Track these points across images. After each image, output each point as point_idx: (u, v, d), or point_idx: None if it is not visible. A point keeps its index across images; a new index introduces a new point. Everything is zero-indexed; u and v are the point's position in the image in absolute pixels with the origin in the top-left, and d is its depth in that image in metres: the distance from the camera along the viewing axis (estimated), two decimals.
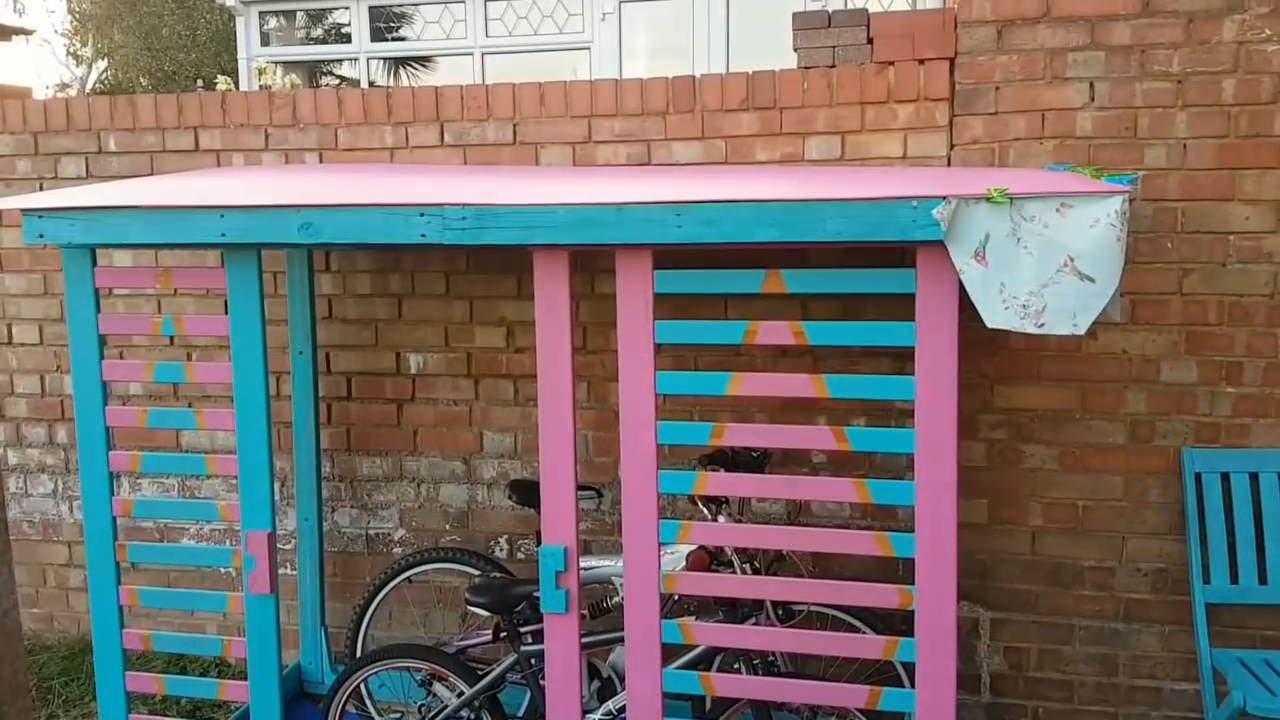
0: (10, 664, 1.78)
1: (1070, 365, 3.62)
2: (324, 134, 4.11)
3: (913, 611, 2.51)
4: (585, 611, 3.43)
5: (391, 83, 11.30)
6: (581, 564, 2.83)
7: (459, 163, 4.04)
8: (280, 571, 3.56)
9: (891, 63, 3.65)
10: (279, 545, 3.79)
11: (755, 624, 3.23)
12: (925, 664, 2.51)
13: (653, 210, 2.50)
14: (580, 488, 2.87)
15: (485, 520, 4.15)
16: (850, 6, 8.33)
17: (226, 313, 2.80)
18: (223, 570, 4.28)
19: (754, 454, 3.36)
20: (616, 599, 3.50)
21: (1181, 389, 3.57)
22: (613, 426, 3.98)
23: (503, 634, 3.42)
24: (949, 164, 3.65)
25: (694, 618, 3.28)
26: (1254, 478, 3.51)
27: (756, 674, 3.19)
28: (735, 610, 3.22)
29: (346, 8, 10.27)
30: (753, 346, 3.66)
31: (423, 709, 3.56)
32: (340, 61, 11.40)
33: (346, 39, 10.53)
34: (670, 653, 2.88)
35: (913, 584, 2.50)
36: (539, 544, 3.96)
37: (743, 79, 3.79)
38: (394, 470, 4.21)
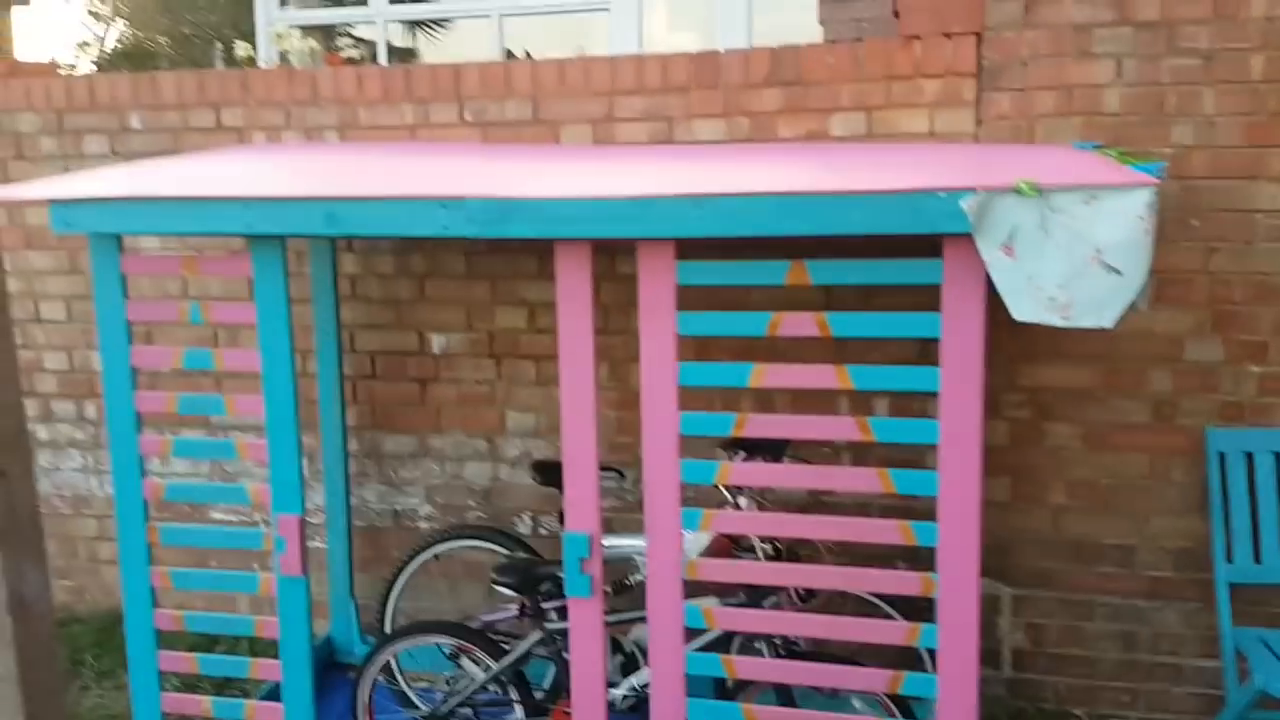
0: (46, 667, 1.83)
1: (1094, 344, 3.60)
2: (344, 111, 4.11)
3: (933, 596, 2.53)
4: (608, 588, 3.47)
5: (410, 43, 11.24)
6: (604, 542, 2.86)
7: (479, 140, 4.03)
8: (310, 544, 3.62)
9: (918, 37, 3.61)
10: (308, 520, 3.85)
11: (776, 604, 3.26)
12: (946, 651, 2.53)
13: (674, 203, 2.49)
14: (602, 468, 2.89)
15: (509, 497, 4.19)
16: None
17: (252, 297, 2.83)
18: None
19: (775, 438, 3.37)
20: (639, 576, 3.54)
21: (1206, 368, 3.55)
22: (634, 406, 4.00)
23: (528, 612, 3.47)
24: (976, 140, 3.62)
25: (715, 598, 3.32)
26: (1278, 457, 3.49)
27: (778, 654, 3.23)
28: (756, 591, 3.25)
29: None
30: (787, 342, 3.65)
31: (450, 681, 3.62)
32: (357, 24, 11.33)
33: (364, 1, 10.47)
34: (692, 630, 2.91)
35: (934, 570, 2.52)
36: (562, 522, 4.03)
37: (766, 54, 3.76)
38: (419, 448, 4.25)
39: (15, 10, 13.58)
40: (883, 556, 3.59)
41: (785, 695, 3.29)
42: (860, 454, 3.74)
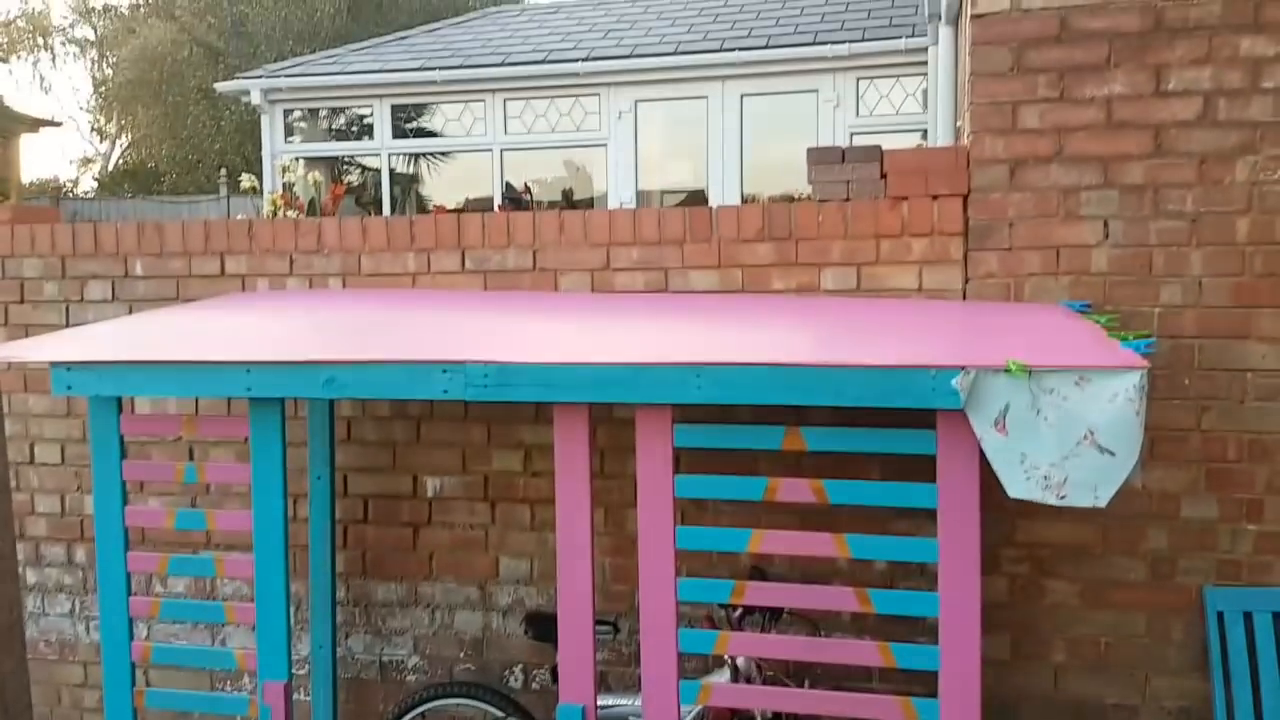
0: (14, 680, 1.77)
1: None
2: (347, 260, 4.17)
3: None
4: None
5: (411, 170, 11.50)
6: (599, 702, 2.81)
7: (479, 288, 4.09)
8: (294, 698, 3.54)
9: (905, 198, 3.70)
10: (292, 671, 3.78)
11: None
12: None
13: (672, 371, 2.53)
14: (597, 622, 2.86)
15: (500, 649, 4.12)
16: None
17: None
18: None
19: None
20: None
21: (1202, 526, 3.55)
22: (630, 553, 3.94)
23: None
24: (964, 297, 3.67)
25: None
26: (1277, 617, 3.46)
27: None
28: None
29: (369, 105, 10.50)
30: (773, 504, 3.65)
31: None
32: (362, 155, 11.63)
33: (369, 129, 10.79)
34: None
35: None
36: (554, 677, 3.95)
37: (758, 210, 3.85)
38: (409, 596, 4.19)
39: (25, 138, 13.93)
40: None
41: None
42: (859, 614, 3.69)
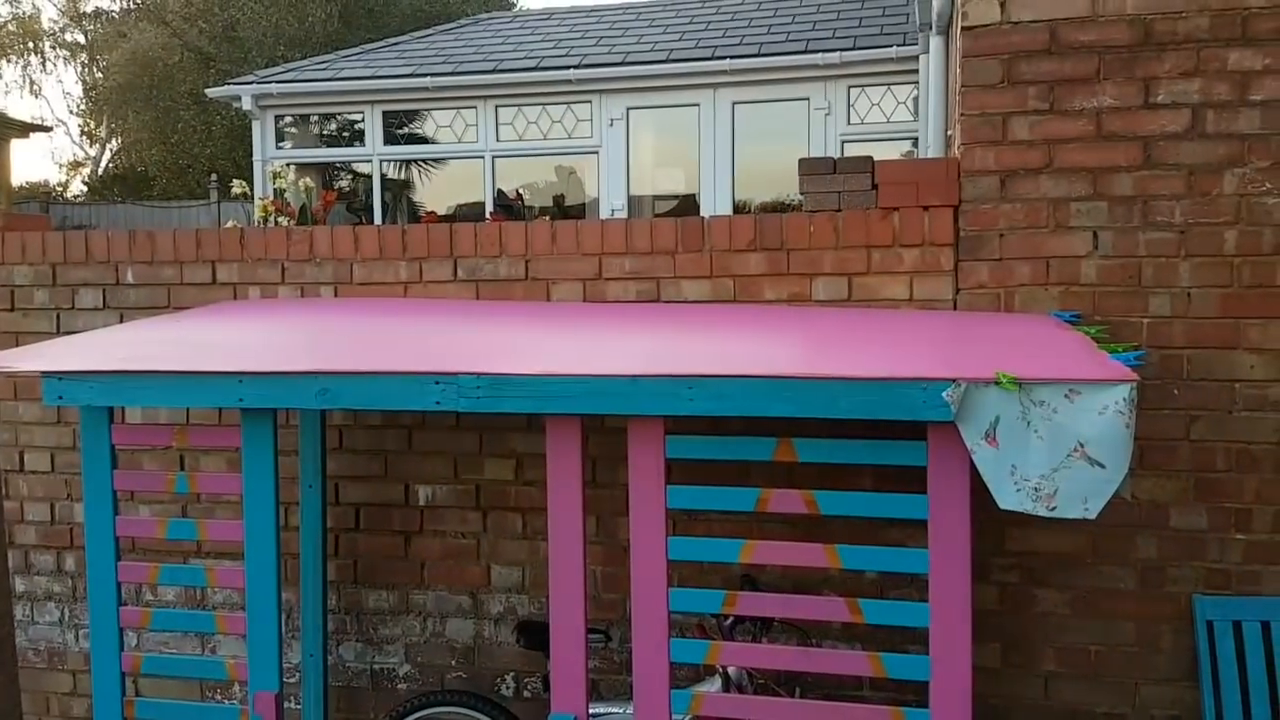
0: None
1: None
2: (339, 269, 4.18)
3: None
4: None
5: (403, 176, 11.49)
6: (590, 710, 2.81)
7: (471, 297, 4.09)
8: (285, 706, 3.54)
9: (896, 208, 3.72)
10: (284, 679, 3.77)
11: None
12: None
13: (665, 383, 2.54)
14: (588, 630, 2.86)
15: (492, 657, 4.12)
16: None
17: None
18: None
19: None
20: None
21: (1192, 535, 3.57)
22: (622, 562, 3.96)
23: None
24: (955, 307, 3.69)
25: None
26: (1265, 626, 3.49)
27: None
28: None
29: (361, 111, 10.50)
30: (765, 514, 3.66)
31: None
32: (352, 161, 11.62)
33: (360, 135, 10.77)
34: None
35: None
36: (546, 687, 3.95)
37: (750, 221, 3.86)
38: (400, 604, 4.19)
39: (14, 143, 13.88)
40: None
41: None
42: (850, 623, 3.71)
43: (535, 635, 3.65)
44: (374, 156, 10.57)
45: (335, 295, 4.18)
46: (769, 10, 10.35)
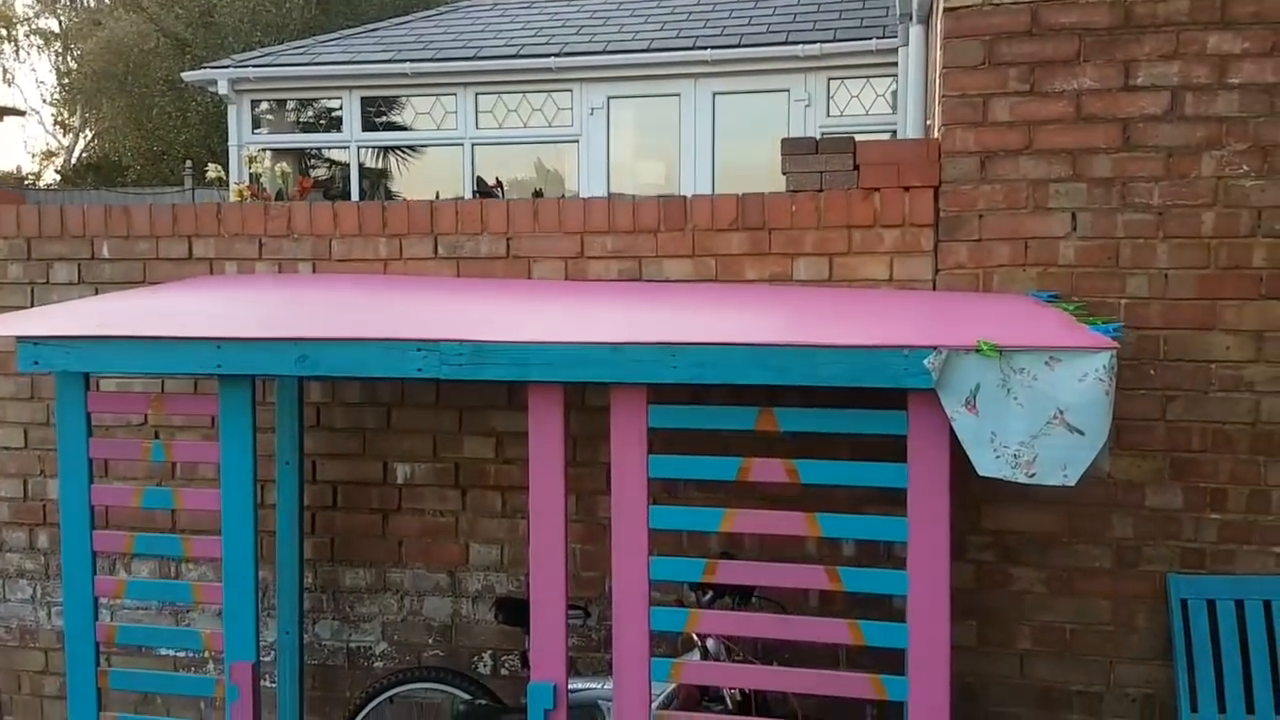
0: None
1: (1057, 488, 3.62)
2: (318, 245, 4.15)
3: None
4: None
5: (380, 164, 11.44)
6: (568, 686, 2.80)
7: (452, 275, 4.08)
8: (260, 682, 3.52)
9: (877, 189, 3.73)
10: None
11: None
12: None
13: (648, 351, 2.53)
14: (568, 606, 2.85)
15: (469, 635, 4.11)
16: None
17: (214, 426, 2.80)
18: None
19: None
20: None
21: (1167, 514, 3.60)
22: (601, 540, 3.97)
23: None
24: (934, 287, 3.71)
25: None
26: (1239, 605, 3.52)
27: None
28: None
29: (338, 97, 10.44)
30: (744, 489, 3.67)
31: None
32: (329, 147, 11.56)
33: (337, 123, 10.71)
34: None
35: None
36: (524, 663, 3.94)
37: (733, 200, 3.86)
38: (377, 582, 4.17)
39: None
40: (849, 705, 3.54)
41: None
42: (828, 595, 3.72)
43: (514, 612, 3.63)
44: (351, 143, 10.51)
45: (313, 272, 4.15)
46: (749, 2, 10.37)
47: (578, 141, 9.85)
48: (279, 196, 7.55)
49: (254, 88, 10.39)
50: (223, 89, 10.28)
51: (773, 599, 3.54)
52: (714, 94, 9.43)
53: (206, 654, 4.21)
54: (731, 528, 2.63)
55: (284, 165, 11.30)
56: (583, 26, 10.31)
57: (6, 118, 19.97)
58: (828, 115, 9.25)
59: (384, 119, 10.87)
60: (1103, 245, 3.58)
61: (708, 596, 3.32)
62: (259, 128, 10.79)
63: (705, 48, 9.26)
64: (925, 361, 2.35)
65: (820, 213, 3.77)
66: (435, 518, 4.12)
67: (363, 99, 10.35)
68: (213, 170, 8.41)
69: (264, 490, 4.11)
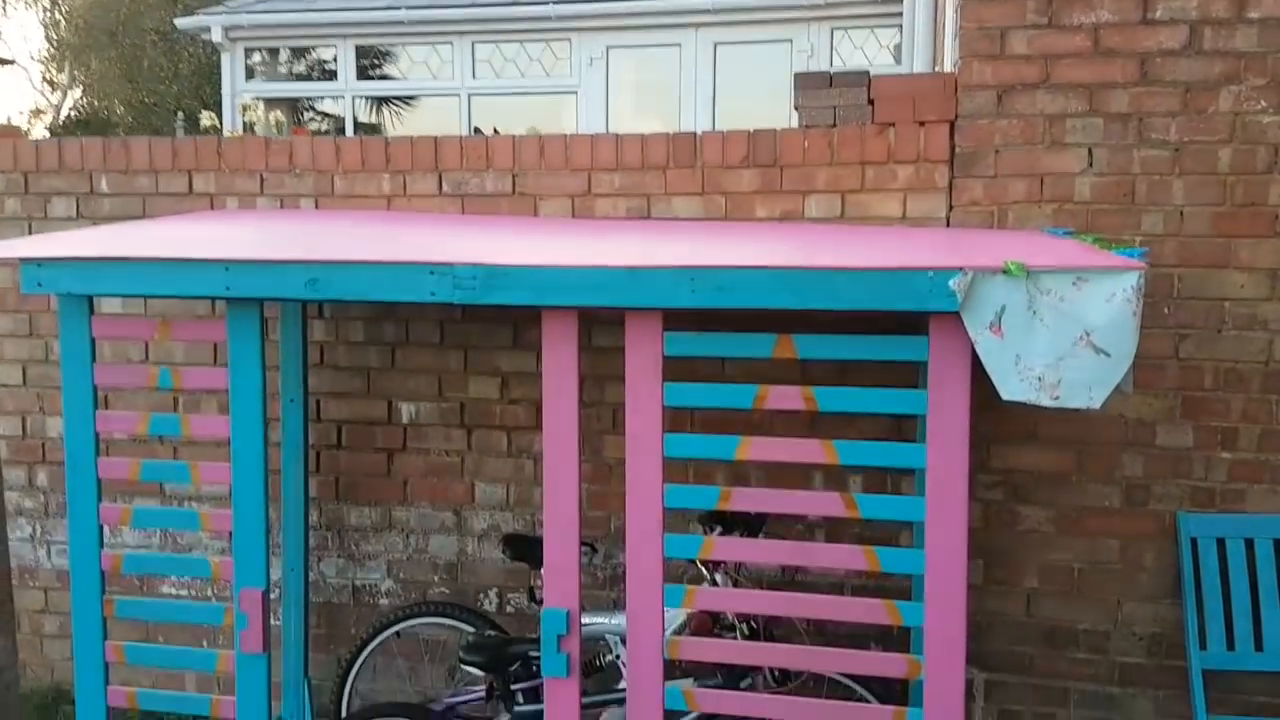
0: None
1: (1067, 427, 3.62)
2: (320, 180, 4.08)
3: (915, 679, 2.49)
4: None
5: (375, 119, 11.31)
6: None
7: (456, 212, 4.02)
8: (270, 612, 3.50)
9: (892, 124, 3.68)
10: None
11: (751, 685, 3.20)
12: None
13: (666, 274, 2.49)
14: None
15: (475, 573, 4.09)
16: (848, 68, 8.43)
17: (216, 360, 2.76)
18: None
19: (752, 513, 3.34)
20: (610, 657, 3.46)
21: (1177, 453, 3.58)
22: (607, 480, 3.95)
23: (496, 693, 3.37)
24: (948, 225, 3.67)
25: (692, 679, 3.25)
26: (1249, 544, 3.52)
27: None
28: (733, 672, 3.19)
29: (333, 46, 10.29)
30: (762, 411, 3.64)
31: None
32: (323, 98, 11.42)
33: (331, 74, 10.56)
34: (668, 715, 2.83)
35: (915, 650, 2.48)
36: (531, 599, 3.94)
37: (744, 136, 3.81)
38: (382, 520, 4.15)
39: None
40: (854, 637, 3.54)
41: None
42: (834, 532, 3.71)
43: (522, 547, 3.62)
44: (346, 93, 10.38)
45: (315, 207, 4.09)
46: None
47: (576, 93, 9.73)
48: None
49: (248, 35, 10.23)
50: (216, 36, 10.12)
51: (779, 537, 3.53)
52: (715, 44, 9.31)
53: (210, 592, 4.20)
54: (747, 456, 2.59)
55: (278, 114, 11.17)
56: None
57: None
58: (830, 67, 9.13)
59: (379, 71, 10.73)
60: (1118, 181, 3.54)
61: (717, 532, 3.30)
62: (253, 77, 10.63)
63: None
64: (951, 283, 2.31)
65: (833, 148, 3.72)
66: (441, 457, 4.10)
67: (358, 47, 10.20)
68: (207, 118, 8.30)
69: (268, 428, 4.07)
